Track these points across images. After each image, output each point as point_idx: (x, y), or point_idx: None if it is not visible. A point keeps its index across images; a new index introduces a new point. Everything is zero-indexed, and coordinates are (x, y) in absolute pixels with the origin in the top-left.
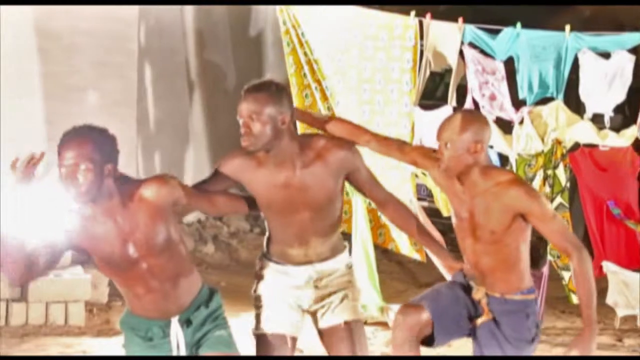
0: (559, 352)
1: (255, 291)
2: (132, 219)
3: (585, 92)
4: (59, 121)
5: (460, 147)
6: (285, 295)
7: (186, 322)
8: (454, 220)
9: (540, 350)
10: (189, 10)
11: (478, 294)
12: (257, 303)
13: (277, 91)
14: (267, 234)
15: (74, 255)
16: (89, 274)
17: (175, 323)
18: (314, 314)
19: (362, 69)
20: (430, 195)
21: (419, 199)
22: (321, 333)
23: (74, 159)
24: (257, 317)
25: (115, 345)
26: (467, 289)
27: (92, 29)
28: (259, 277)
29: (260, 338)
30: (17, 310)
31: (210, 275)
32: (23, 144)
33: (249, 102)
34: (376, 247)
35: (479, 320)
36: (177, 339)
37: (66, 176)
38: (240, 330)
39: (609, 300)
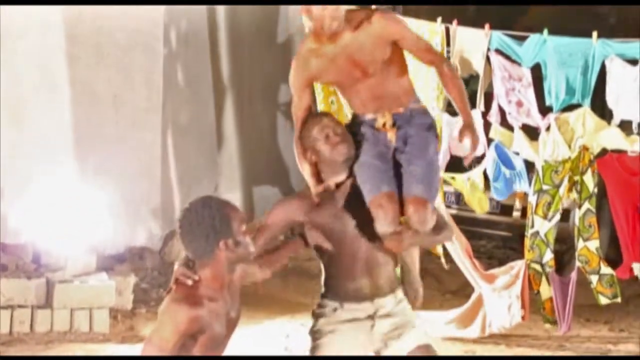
0: None
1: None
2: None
3: (612, 98)
4: (85, 127)
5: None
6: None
7: None
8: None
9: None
10: (217, 15)
11: (384, 118)
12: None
13: None
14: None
15: (98, 262)
16: (113, 281)
17: None
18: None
19: None
20: (457, 202)
21: (447, 206)
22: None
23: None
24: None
25: (139, 352)
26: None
27: (119, 35)
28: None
29: None
30: (42, 316)
31: (245, 283)
32: (50, 150)
33: None
34: None
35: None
36: None
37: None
38: (273, 333)
39: None
